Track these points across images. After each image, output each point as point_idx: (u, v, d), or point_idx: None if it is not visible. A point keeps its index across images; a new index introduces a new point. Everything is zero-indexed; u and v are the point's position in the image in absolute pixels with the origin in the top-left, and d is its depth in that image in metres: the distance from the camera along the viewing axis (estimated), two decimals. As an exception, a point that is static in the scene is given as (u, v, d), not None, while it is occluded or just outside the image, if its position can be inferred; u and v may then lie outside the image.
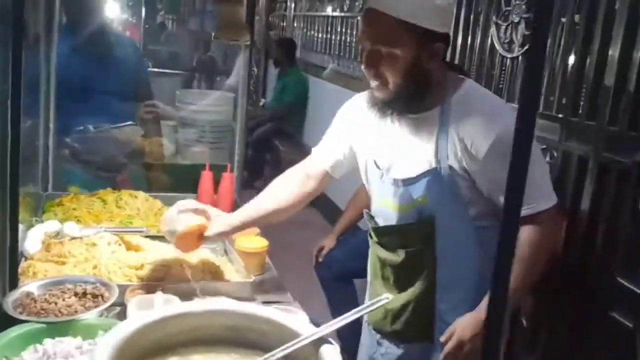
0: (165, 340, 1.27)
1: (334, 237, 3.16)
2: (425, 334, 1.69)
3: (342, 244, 3.12)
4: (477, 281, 1.64)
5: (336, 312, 3.23)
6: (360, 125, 1.72)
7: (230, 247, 1.95)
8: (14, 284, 1.50)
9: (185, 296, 1.65)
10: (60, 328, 1.35)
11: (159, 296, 1.50)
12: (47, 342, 1.31)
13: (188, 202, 1.72)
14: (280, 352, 1.22)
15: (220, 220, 1.70)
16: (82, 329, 1.36)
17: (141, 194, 2.34)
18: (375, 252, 1.75)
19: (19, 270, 1.64)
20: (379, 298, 1.28)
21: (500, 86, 2.53)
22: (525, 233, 1.53)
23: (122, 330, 1.18)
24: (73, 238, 1.71)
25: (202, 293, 1.66)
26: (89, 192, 2.30)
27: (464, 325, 1.58)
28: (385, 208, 1.69)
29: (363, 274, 3.14)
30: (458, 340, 1.58)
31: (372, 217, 1.74)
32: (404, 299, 1.67)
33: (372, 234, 1.76)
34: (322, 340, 1.22)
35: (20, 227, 1.94)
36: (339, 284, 3.10)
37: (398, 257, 1.67)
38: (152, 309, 1.49)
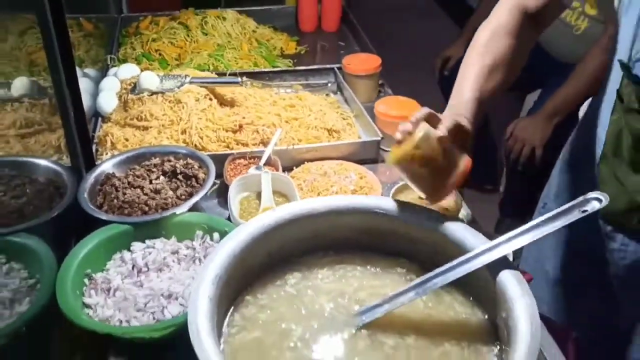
0: (278, 251, 0.96)
1: (463, 44, 2.59)
2: None
3: None
4: None
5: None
6: None
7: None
8: (90, 162, 1.21)
9: (297, 162, 1.31)
10: (151, 226, 1.07)
11: (266, 177, 1.16)
12: (136, 248, 1.04)
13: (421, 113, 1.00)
14: (441, 275, 0.87)
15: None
16: (176, 227, 1.07)
17: (230, 13, 1.90)
18: (629, 123, 1.13)
19: (95, 138, 1.35)
20: (590, 196, 0.87)
21: None
22: None
23: (226, 247, 0.88)
24: (153, 93, 1.35)
25: (316, 158, 1.31)
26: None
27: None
28: None
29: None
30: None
31: (628, 68, 1.11)
32: None
33: (627, 94, 1.12)
34: (500, 264, 0.86)
35: (93, 72, 1.62)
36: None
37: None
38: (256, 192, 1.18)
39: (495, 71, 1.11)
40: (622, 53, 1.12)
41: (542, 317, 1.35)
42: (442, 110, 1.04)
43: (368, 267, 0.99)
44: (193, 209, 1.13)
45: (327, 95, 1.65)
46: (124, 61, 1.72)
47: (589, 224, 1.29)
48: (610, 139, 1.19)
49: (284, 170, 1.28)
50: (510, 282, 0.84)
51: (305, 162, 1.31)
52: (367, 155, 1.36)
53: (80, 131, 1.17)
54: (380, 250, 1.01)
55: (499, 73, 1.11)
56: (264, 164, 1.26)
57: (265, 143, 1.31)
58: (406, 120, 1.14)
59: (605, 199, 0.86)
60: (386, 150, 1.41)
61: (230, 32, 1.86)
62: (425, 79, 2.75)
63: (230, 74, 1.62)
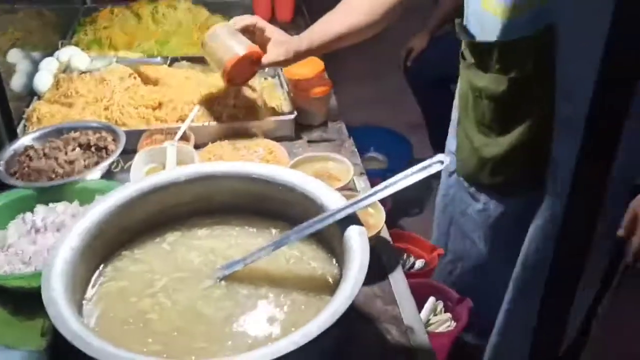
0: (161, 213, 1.03)
1: (426, 36, 2.64)
2: (535, 185, 1.27)
3: (437, 44, 2.61)
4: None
5: (432, 121, 2.87)
6: None
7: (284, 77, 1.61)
8: (13, 136, 1.30)
9: (213, 138, 1.38)
10: (55, 192, 1.15)
11: (171, 149, 1.24)
12: (38, 210, 1.12)
13: (243, 18, 1.36)
14: (296, 233, 0.94)
15: (282, 45, 1.33)
16: (79, 193, 1.15)
17: (182, 3, 1.98)
18: (468, 79, 1.28)
19: (25, 115, 1.44)
20: (434, 160, 0.92)
21: None
22: None
23: (100, 205, 0.96)
24: (82, 72, 1.44)
25: (232, 135, 1.38)
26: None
27: None
28: (486, 13, 1.19)
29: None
30: None
31: (464, 28, 1.26)
32: (507, 144, 1.24)
33: (465, 52, 1.29)
34: (349, 220, 0.92)
35: (40, 55, 1.71)
36: (434, 91, 2.67)
37: (499, 85, 1.21)
38: (163, 163, 1.25)
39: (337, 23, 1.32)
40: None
41: (439, 287, 1.42)
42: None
43: (246, 227, 1.06)
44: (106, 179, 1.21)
45: (265, 79, 1.72)
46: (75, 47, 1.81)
47: (461, 187, 1.39)
48: (461, 100, 1.29)
49: (200, 146, 1.35)
50: (353, 235, 0.90)
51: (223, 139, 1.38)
52: (284, 133, 1.43)
53: (2, 107, 1.27)
54: (259, 213, 1.07)
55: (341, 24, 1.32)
56: (180, 140, 1.33)
57: (183, 120, 1.39)
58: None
59: (446, 160, 0.91)
60: (303, 125, 1.48)
61: (182, 21, 1.94)
62: (390, 68, 2.83)
63: (171, 59, 1.70)
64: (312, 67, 1.55)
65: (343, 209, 0.93)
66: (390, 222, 2.28)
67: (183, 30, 1.90)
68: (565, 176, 1.18)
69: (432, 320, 1.36)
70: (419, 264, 1.47)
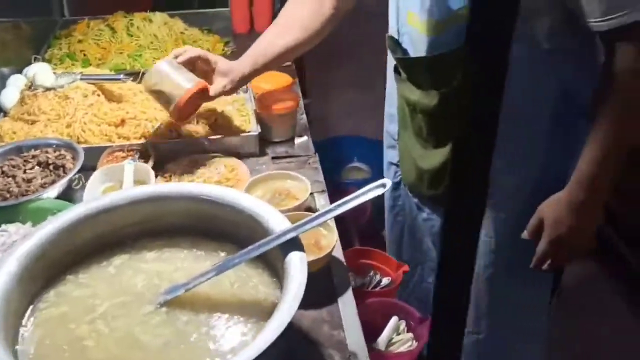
0: (110, 234, 1.03)
1: None
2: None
3: None
4: (545, 129, 1.19)
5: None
6: None
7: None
8: (-28, 153, 1.30)
9: (175, 155, 1.37)
10: (9, 211, 1.15)
11: (128, 167, 1.23)
12: (-10, 231, 1.12)
13: (183, 51, 1.34)
14: (239, 257, 0.93)
15: (226, 75, 1.33)
16: (33, 213, 1.15)
17: (158, 16, 1.98)
18: (403, 94, 1.30)
19: (-13, 132, 1.44)
20: (375, 184, 0.92)
21: None
22: (617, 58, 1.04)
23: (50, 226, 0.96)
24: (47, 89, 1.44)
25: (195, 152, 1.37)
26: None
27: (556, 214, 1.16)
28: (413, 29, 1.21)
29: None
30: (555, 237, 1.17)
31: (396, 42, 1.27)
32: (441, 157, 1.25)
33: (398, 67, 1.30)
34: (291, 244, 0.91)
35: (8, 70, 1.72)
36: None
37: (431, 100, 1.22)
38: (120, 182, 1.25)
39: (276, 40, 1.33)
40: (391, 29, 1.27)
41: (402, 306, 1.41)
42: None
43: (194, 250, 1.05)
44: (65, 198, 1.21)
45: (236, 93, 1.71)
46: (49, 61, 1.81)
47: (409, 197, 1.43)
48: (399, 114, 1.31)
49: (162, 163, 1.35)
50: (293, 260, 0.89)
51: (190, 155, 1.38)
52: (248, 150, 1.42)
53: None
54: (209, 235, 1.06)
55: (281, 40, 1.33)
56: (140, 157, 1.33)
57: (146, 137, 1.38)
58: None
59: (388, 184, 0.91)
60: (269, 140, 1.47)
61: (157, 34, 1.94)
62: (376, 76, 2.81)
63: (142, 73, 1.70)
64: (277, 81, 1.55)
65: (285, 232, 0.93)
66: (369, 231, 2.25)
67: (159, 43, 1.90)
68: (496, 190, 1.19)
69: (394, 339, 1.35)
70: (385, 281, 1.46)
